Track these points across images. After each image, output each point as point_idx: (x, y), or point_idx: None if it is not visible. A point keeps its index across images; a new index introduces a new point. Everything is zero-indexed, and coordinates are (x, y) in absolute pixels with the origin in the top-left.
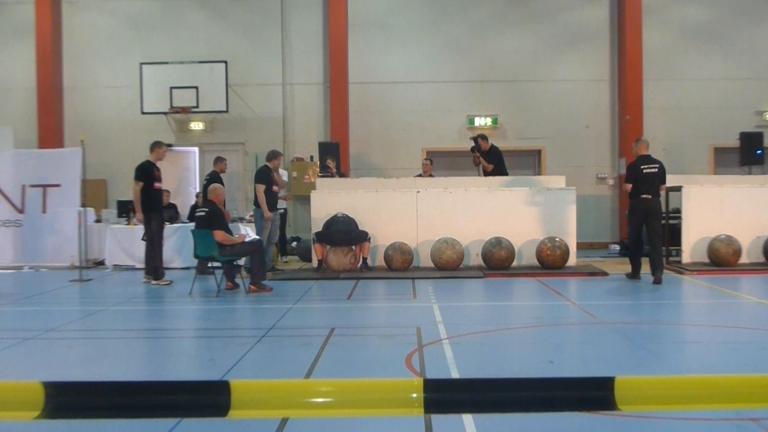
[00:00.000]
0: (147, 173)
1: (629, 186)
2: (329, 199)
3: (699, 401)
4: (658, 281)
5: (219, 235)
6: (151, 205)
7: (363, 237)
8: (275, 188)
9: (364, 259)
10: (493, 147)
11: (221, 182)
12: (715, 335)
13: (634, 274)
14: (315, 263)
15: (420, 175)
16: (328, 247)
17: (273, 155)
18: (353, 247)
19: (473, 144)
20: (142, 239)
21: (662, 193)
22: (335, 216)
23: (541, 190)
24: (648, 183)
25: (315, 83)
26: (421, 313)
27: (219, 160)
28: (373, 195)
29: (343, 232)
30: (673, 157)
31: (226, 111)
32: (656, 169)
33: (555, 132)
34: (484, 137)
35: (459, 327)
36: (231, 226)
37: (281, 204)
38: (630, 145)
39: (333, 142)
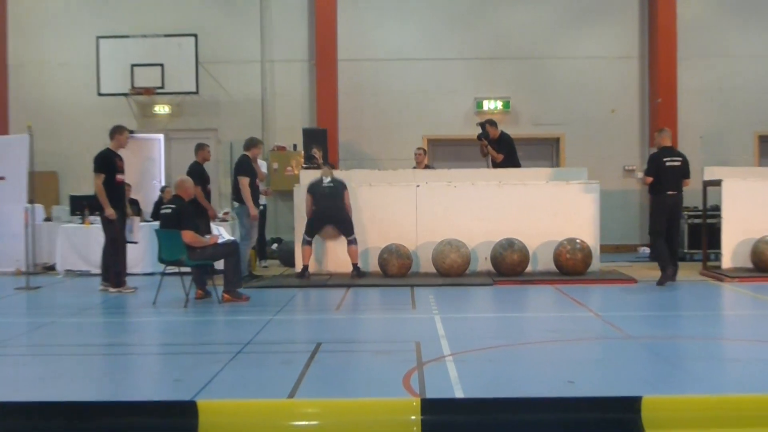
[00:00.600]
0: (108, 163)
1: (649, 179)
2: (301, 193)
3: (735, 424)
4: (666, 282)
5: (187, 235)
6: (112, 201)
7: (347, 228)
8: (257, 182)
9: (355, 265)
10: (503, 134)
11: (204, 174)
12: (759, 352)
13: (666, 278)
14: (299, 268)
15: (415, 167)
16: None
17: (252, 143)
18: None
19: (480, 130)
20: (131, 241)
21: (684, 189)
22: (320, 182)
23: (560, 184)
24: (671, 177)
25: (299, 60)
26: (421, 325)
27: (200, 147)
28: (365, 190)
29: (330, 199)
30: (711, 147)
31: (196, 92)
32: (679, 163)
33: (575, 117)
34: (492, 123)
35: (465, 342)
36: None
37: (261, 199)
38: None
39: (319, 129)
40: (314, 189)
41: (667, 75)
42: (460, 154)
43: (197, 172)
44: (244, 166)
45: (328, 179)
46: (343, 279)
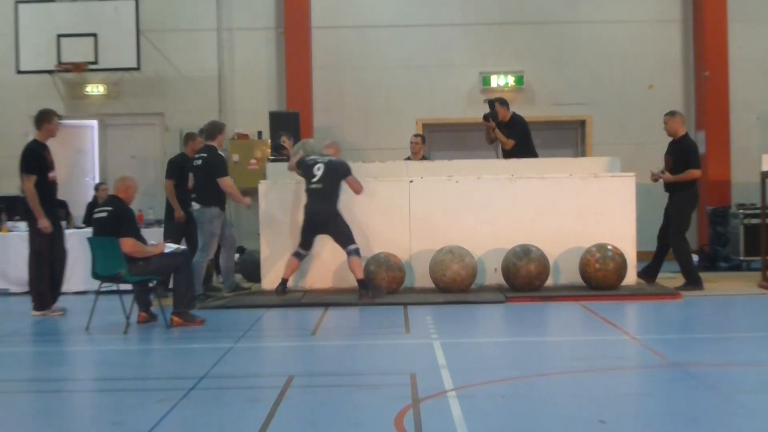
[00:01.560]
0: (40, 160)
1: (698, 173)
2: (284, 192)
3: None
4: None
5: (127, 244)
6: (45, 206)
7: (345, 238)
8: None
9: (360, 282)
10: (515, 116)
11: (185, 169)
12: None
13: (695, 282)
14: (277, 281)
15: (409, 158)
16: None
17: (217, 128)
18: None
19: (487, 110)
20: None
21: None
22: (310, 168)
23: (586, 177)
24: None
25: (264, 28)
26: (417, 353)
27: (191, 137)
28: (346, 186)
29: (318, 212)
30: None
31: (137, 68)
32: None
33: (604, 95)
34: (503, 102)
35: (470, 373)
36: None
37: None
38: (713, 111)
39: (289, 112)
40: (306, 175)
41: (715, 43)
42: (463, 142)
43: (178, 165)
44: (223, 163)
45: (320, 166)
46: (321, 297)
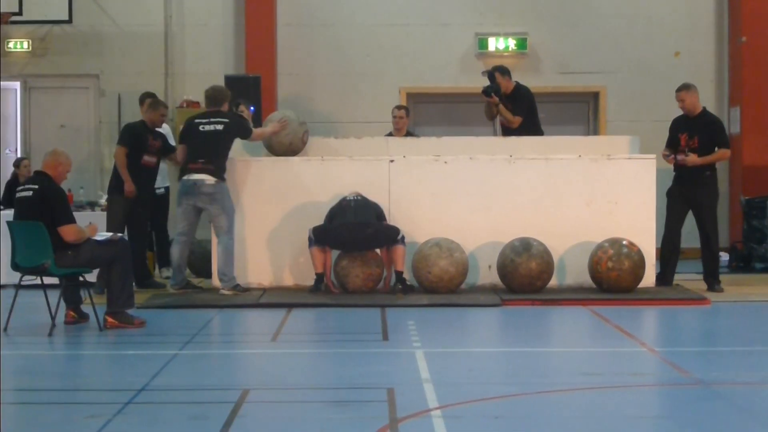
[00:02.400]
0: None
1: (729, 154)
2: (242, 173)
3: None
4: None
5: (70, 232)
6: None
7: (392, 236)
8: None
9: (398, 274)
10: (520, 87)
11: (144, 139)
12: None
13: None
14: (314, 278)
15: (390, 134)
16: (333, 252)
17: (224, 95)
18: (378, 251)
19: (487, 83)
20: None
21: None
22: (344, 200)
23: (599, 159)
24: None
25: None
26: (396, 364)
27: (152, 104)
28: (315, 166)
29: (357, 227)
30: None
31: (69, 21)
32: None
33: (622, 63)
34: (505, 71)
35: (459, 389)
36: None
37: (160, 181)
38: (750, 83)
39: (249, 76)
40: (335, 211)
41: (755, 2)
42: (454, 116)
43: (135, 133)
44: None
45: (354, 196)
46: (284, 295)
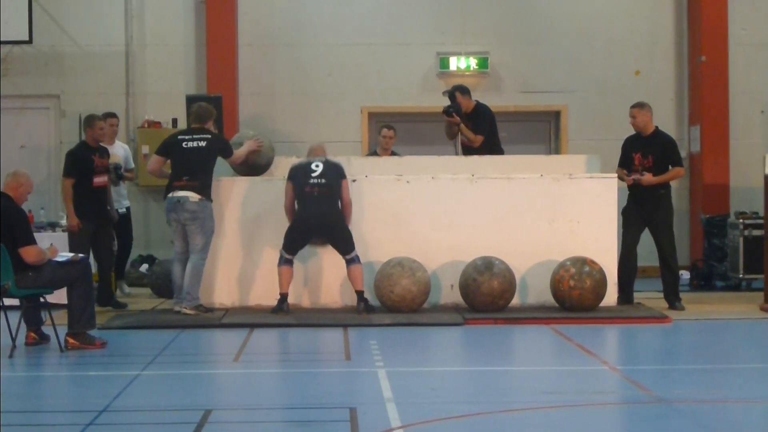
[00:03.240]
0: None
1: (683, 172)
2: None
3: None
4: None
5: (31, 253)
6: None
7: (346, 244)
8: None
9: (359, 294)
10: (480, 106)
11: (88, 161)
12: None
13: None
14: (278, 296)
15: (374, 153)
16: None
17: (209, 113)
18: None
19: (448, 102)
20: None
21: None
22: (308, 195)
23: (561, 178)
24: None
25: None
26: (358, 384)
27: (86, 120)
28: (276, 185)
29: (320, 223)
30: None
31: (29, 41)
32: None
33: (583, 82)
34: (464, 90)
35: (422, 408)
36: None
37: (123, 199)
38: (709, 102)
39: (210, 96)
40: (298, 179)
41: (713, 22)
42: (416, 135)
43: (80, 159)
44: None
45: (319, 166)
46: (246, 316)
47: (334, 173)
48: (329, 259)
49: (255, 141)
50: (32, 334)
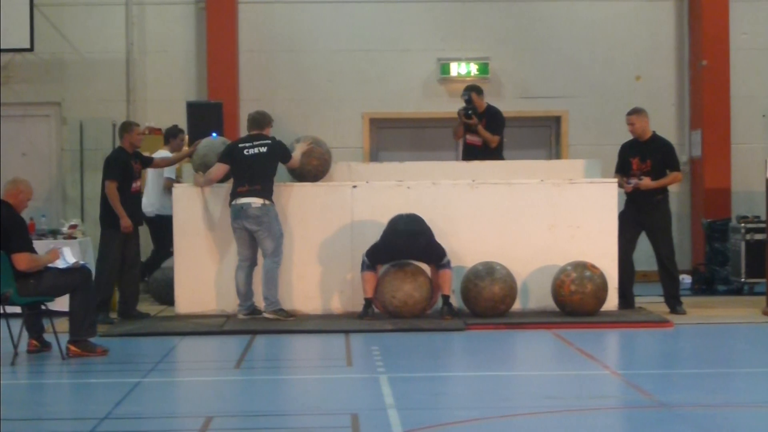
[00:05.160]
0: None
1: (681, 177)
2: (204, 199)
3: None
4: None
5: (22, 260)
6: None
7: (440, 255)
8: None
9: (445, 298)
10: (491, 107)
11: (129, 167)
12: None
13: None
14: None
15: None
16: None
17: (268, 119)
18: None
19: (464, 103)
20: None
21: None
22: (396, 216)
23: (561, 183)
24: None
25: (181, 2)
26: (360, 390)
27: (127, 128)
28: (277, 191)
29: (410, 237)
30: None
31: (30, 49)
32: None
33: (584, 87)
34: (480, 91)
35: (423, 414)
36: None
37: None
38: (711, 107)
39: (211, 102)
40: (388, 234)
41: (715, 26)
42: (417, 140)
43: (121, 163)
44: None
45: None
46: (247, 323)
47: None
48: (334, 265)
49: (306, 143)
50: (34, 342)
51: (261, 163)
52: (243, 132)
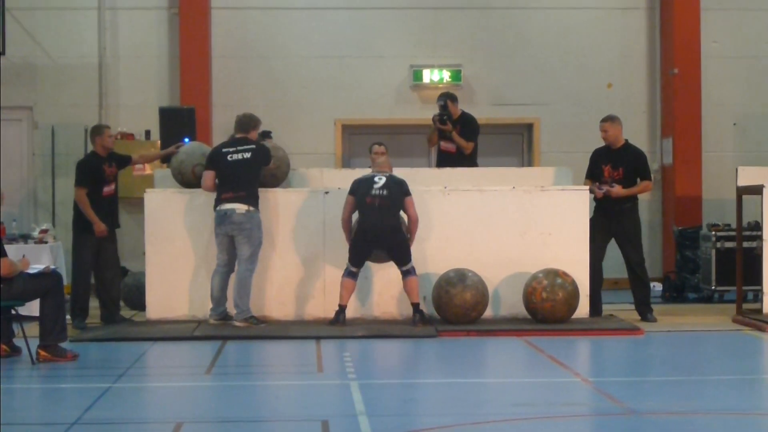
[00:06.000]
0: None
1: (651, 185)
2: (176, 204)
3: None
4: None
5: (4, 265)
6: None
7: (403, 260)
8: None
9: (415, 306)
10: (465, 114)
11: (100, 171)
12: None
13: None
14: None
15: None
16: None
17: (254, 122)
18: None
19: (439, 110)
20: None
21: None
22: (370, 192)
23: (533, 190)
24: None
25: (154, 8)
26: (331, 396)
27: (98, 131)
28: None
29: (381, 233)
30: (751, 137)
31: (2, 53)
32: None
33: (555, 95)
34: (454, 98)
35: (394, 420)
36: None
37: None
38: (682, 114)
39: (184, 108)
40: (360, 192)
41: (685, 35)
42: (390, 147)
43: (92, 168)
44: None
45: (381, 179)
46: (218, 329)
47: (398, 189)
48: (306, 271)
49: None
50: (3, 347)
51: (245, 169)
52: (216, 137)
